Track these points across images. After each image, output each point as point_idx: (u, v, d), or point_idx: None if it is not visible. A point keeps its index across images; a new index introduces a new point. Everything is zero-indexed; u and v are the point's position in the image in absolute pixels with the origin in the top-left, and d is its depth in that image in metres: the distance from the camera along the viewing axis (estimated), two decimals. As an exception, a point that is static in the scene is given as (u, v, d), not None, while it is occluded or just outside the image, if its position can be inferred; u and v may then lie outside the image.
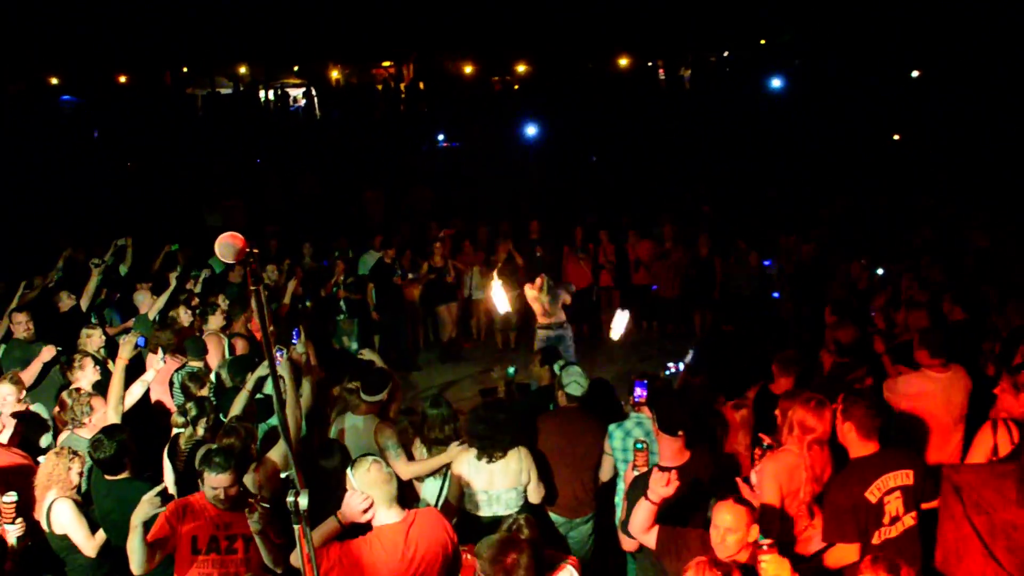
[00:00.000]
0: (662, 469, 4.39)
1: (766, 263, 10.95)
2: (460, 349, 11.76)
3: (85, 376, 6.10)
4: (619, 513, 5.04)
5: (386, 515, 3.85)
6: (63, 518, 4.59)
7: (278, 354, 5.42)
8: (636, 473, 4.56)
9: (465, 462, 4.98)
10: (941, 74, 20.96)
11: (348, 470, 3.95)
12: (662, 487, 3.91)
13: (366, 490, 3.82)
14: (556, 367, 6.11)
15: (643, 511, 4.00)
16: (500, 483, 4.95)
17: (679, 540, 3.92)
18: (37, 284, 8.86)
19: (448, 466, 5.11)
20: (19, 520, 4.40)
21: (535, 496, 5.07)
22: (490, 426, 4.94)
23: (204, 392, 5.94)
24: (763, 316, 10.59)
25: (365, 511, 3.83)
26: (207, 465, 4.18)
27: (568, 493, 5.34)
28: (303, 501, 3.03)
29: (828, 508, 4.29)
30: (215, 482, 4.15)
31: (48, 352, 6.68)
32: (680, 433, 4.39)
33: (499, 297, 8.79)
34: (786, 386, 5.92)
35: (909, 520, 4.31)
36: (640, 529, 4.04)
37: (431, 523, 3.97)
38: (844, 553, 4.23)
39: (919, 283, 8.33)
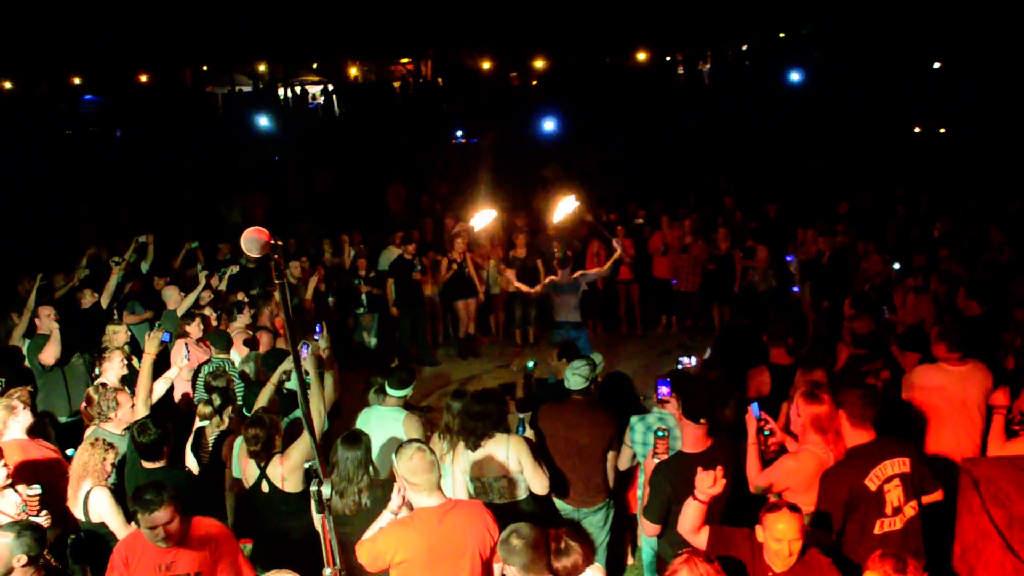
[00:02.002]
0: (685, 455, 4.44)
1: (788, 258, 10.87)
2: (479, 344, 11.81)
3: (112, 368, 6.22)
4: (640, 500, 5.10)
5: (426, 500, 3.95)
6: (101, 506, 4.71)
7: (304, 348, 5.50)
8: (656, 461, 4.62)
9: (460, 454, 5.08)
10: (963, 65, 20.76)
11: (392, 455, 4.03)
12: (709, 486, 3.92)
13: (407, 476, 3.91)
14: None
15: (692, 511, 4.00)
16: (489, 471, 5.01)
17: (728, 541, 3.91)
18: (60, 283, 8.99)
19: (453, 458, 5.17)
20: (44, 512, 4.50)
21: (537, 486, 4.99)
22: (463, 420, 5.05)
23: (225, 383, 6.03)
24: (781, 310, 10.54)
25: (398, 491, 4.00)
26: (139, 505, 3.86)
27: (572, 483, 5.36)
28: (326, 491, 3.10)
29: (823, 497, 4.26)
30: (150, 521, 3.83)
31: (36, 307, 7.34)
32: (704, 420, 4.44)
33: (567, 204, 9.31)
34: (781, 356, 6.19)
35: (910, 511, 4.26)
36: (690, 529, 4.03)
37: (471, 514, 4.01)
38: None
39: (938, 276, 8.29)
